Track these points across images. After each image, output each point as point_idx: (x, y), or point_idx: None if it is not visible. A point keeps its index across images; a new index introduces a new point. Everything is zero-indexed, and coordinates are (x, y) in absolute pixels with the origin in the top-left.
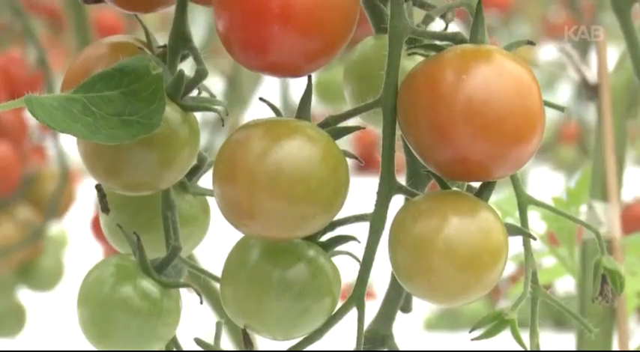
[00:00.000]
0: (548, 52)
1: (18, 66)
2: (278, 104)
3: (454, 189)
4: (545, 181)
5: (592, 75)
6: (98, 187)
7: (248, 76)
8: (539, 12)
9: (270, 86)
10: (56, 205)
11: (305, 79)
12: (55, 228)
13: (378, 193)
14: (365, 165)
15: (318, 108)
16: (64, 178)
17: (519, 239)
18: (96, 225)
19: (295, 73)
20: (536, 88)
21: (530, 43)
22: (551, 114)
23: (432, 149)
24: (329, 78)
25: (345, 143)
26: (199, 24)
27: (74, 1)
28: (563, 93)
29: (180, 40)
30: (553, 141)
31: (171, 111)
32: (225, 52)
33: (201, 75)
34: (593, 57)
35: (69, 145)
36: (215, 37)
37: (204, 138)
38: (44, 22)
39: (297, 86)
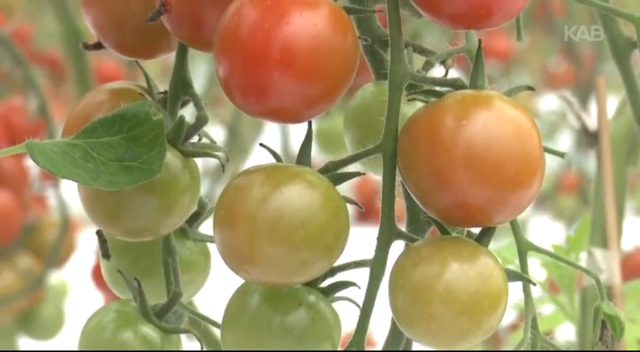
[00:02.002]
0: (548, 101)
1: (19, 114)
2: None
3: (454, 234)
4: (546, 231)
5: (592, 122)
6: (99, 233)
7: (248, 126)
8: (540, 62)
9: (270, 136)
10: (57, 254)
11: (305, 126)
12: (55, 277)
13: (378, 239)
14: (365, 214)
15: (319, 158)
16: (65, 227)
17: (519, 287)
18: (97, 274)
19: (295, 119)
20: (536, 133)
21: (530, 88)
22: (551, 163)
23: (432, 194)
24: (329, 127)
25: (345, 192)
26: (200, 73)
27: (75, 50)
28: (564, 143)
29: (181, 86)
30: (553, 191)
31: (171, 157)
32: (226, 101)
33: (201, 121)
34: (592, 105)
35: (70, 195)
36: (215, 86)
37: (204, 187)
38: (45, 72)
39: (297, 136)
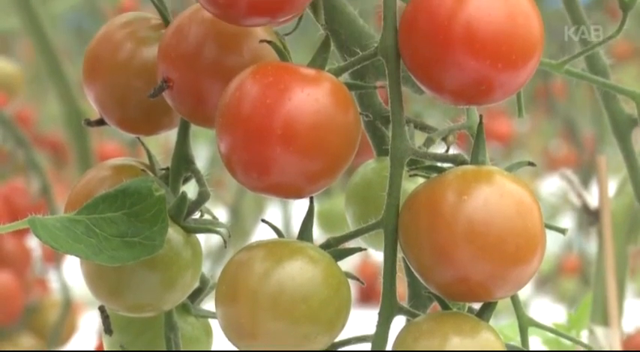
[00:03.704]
0: (549, 184)
1: (21, 195)
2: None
3: (455, 310)
4: (547, 312)
5: (593, 200)
6: (101, 308)
7: (250, 208)
8: (541, 145)
9: (272, 217)
10: (58, 335)
11: (306, 204)
12: None
13: (379, 314)
14: (367, 296)
15: (320, 240)
16: (67, 308)
17: None
18: None
19: (297, 195)
20: (537, 208)
21: (531, 164)
22: (552, 245)
23: (433, 269)
24: (330, 208)
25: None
26: (201, 156)
27: (77, 132)
28: (565, 225)
29: (183, 162)
30: (554, 273)
31: (173, 233)
32: (228, 183)
33: (203, 197)
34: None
35: (72, 277)
36: (217, 168)
37: (206, 268)
38: (47, 155)
39: (299, 217)
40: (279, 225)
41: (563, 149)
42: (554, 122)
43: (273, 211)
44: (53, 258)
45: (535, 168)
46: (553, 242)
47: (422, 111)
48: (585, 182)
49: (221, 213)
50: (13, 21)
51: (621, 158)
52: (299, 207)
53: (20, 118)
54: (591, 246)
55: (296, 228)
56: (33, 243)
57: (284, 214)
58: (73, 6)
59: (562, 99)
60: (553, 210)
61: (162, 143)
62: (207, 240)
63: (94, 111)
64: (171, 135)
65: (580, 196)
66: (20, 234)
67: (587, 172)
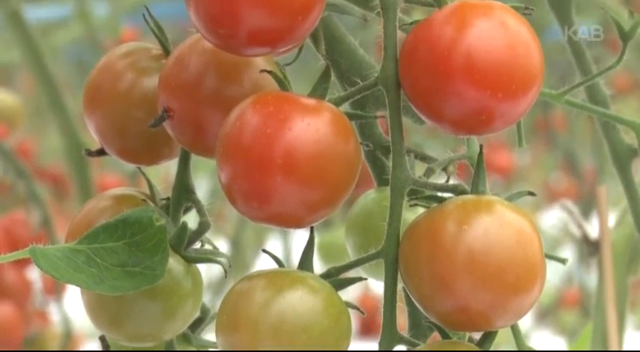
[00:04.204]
0: (550, 217)
1: (22, 227)
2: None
3: (455, 339)
4: (547, 346)
5: (593, 231)
6: (102, 338)
7: (251, 240)
8: (541, 178)
9: (272, 250)
10: None
11: (307, 235)
12: None
13: (379, 343)
14: (367, 329)
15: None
16: (67, 340)
17: None
18: None
19: (298, 224)
20: (537, 238)
21: (531, 193)
22: (552, 277)
23: (433, 299)
24: (330, 240)
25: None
26: (202, 188)
27: (78, 164)
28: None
29: (184, 192)
30: (554, 306)
31: (174, 263)
32: (229, 215)
33: (204, 227)
34: (594, 218)
35: (72, 310)
36: (218, 200)
37: (207, 299)
38: (48, 188)
39: (299, 250)
40: (280, 256)
41: (563, 182)
42: (554, 154)
43: (273, 244)
44: (54, 290)
45: (535, 201)
46: (553, 274)
47: (422, 142)
48: (585, 214)
49: (222, 245)
50: (13, 53)
51: (621, 190)
52: (299, 240)
53: (21, 151)
54: (592, 279)
55: (296, 260)
56: (34, 275)
57: (284, 246)
58: (73, 39)
59: (562, 131)
60: (554, 243)
61: (162, 174)
62: (207, 271)
63: (94, 143)
64: (171, 166)
65: (580, 227)
66: (21, 265)
67: (587, 204)
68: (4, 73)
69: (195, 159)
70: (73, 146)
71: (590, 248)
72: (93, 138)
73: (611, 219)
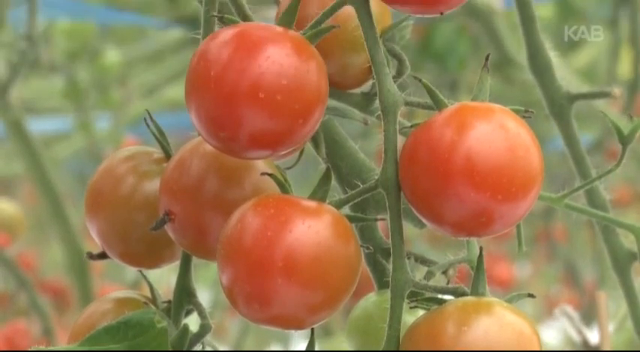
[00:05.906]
0: (551, 330)
1: (23, 336)
2: None
3: None
4: None
5: (593, 336)
6: None
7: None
8: (542, 291)
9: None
10: None
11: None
12: None
13: None
14: None
15: None
16: None
17: None
18: None
19: (298, 326)
20: (537, 340)
21: (531, 295)
22: None
23: None
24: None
25: None
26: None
27: (80, 275)
28: None
29: (185, 295)
30: None
31: None
32: (231, 321)
33: (205, 329)
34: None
35: None
36: (218, 311)
37: None
38: (49, 300)
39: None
40: None
41: (564, 294)
42: (555, 266)
43: (276, 344)
44: None
45: (536, 314)
46: None
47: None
48: (586, 324)
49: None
50: (16, 166)
51: (621, 299)
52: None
53: (22, 264)
54: None
55: None
56: None
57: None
58: (74, 151)
59: (563, 242)
60: None
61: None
62: None
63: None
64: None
65: (580, 332)
66: None
67: (587, 315)
68: (6, 186)
69: (196, 260)
70: (74, 256)
71: None
72: (95, 248)
73: (611, 327)
